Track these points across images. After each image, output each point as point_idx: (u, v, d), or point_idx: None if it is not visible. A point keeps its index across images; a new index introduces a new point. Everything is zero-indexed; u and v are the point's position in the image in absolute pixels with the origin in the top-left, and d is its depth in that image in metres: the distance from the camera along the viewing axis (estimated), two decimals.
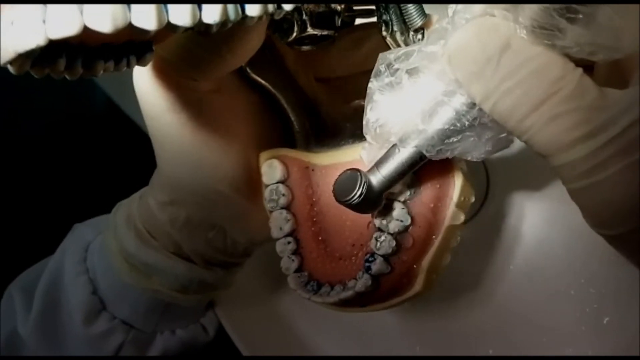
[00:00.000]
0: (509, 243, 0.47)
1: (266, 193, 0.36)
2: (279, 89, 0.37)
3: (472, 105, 0.26)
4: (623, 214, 0.24)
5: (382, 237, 0.31)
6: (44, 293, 0.46)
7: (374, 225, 0.32)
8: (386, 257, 0.31)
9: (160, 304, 0.45)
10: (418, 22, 0.33)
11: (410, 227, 0.31)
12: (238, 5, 0.22)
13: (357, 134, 0.34)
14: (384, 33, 0.33)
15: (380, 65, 0.29)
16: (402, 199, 0.31)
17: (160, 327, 0.47)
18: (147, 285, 0.43)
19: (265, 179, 0.36)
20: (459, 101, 0.26)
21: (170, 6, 0.20)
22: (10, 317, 0.47)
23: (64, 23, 0.18)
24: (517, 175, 0.48)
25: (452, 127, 0.26)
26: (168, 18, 0.19)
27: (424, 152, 0.28)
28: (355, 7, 0.36)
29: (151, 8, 0.19)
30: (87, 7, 0.18)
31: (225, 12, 0.21)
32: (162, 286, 0.43)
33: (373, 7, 0.34)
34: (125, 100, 0.77)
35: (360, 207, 0.30)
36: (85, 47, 0.23)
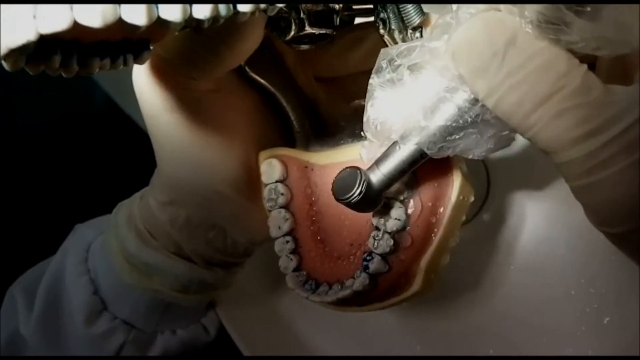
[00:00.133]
0: (509, 243, 0.47)
1: (265, 192, 0.36)
2: (278, 88, 0.37)
3: (475, 101, 0.25)
4: (625, 213, 0.24)
5: (380, 236, 0.31)
6: (45, 293, 0.46)
7: (372, 224, 0.32)
8: (384, 256, 0.31)
9: (161, 304, 0.45)
10: (416, 21, 0.33)
11: (409, 227, 0.31)
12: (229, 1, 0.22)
13: (356, 134, 0.34)
14: (382, 31, 0.33)
15: (381, 61, 0.28)
16: (400, 198, 0.31)
17: (161, 327, 0.47)
18: (148, 285, 0.43)
19: (264, 178, 0.36)
20: (461, 97, 0.26)
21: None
22: (12, 317, 0.47)
23: (54, 18, 0.18)
24: (517, 175, 0.48)
25: (454, 124, 0.26)
26: (158, 13, 0.19)
27: (425, 149, 0.27)
28: (353, 6, 0.36)
29: (141, 4, 0.19)
30: (78, 3, 0.18)
31: (215, 7, 0.21)
32: (162, 286, 0.43)
33: (371, 6, 0.34)
34: (125, 99, 0.77)
35: (360, 205, 0.30)
36: (80, 44, 0.23)
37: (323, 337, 0.50)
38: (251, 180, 0.37)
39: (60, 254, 0.48)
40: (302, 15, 0.33)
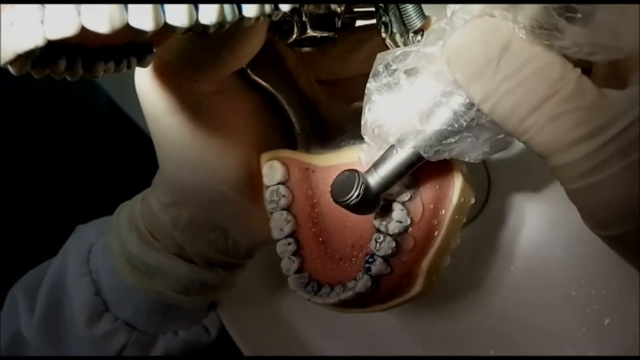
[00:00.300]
0: (509, 244, 0.47)
1: (267, 194, 0.36)
2: (279, 90, 0.37)
3: (470, 105, 0.26)
4: (623, 215, 0.24)
5: (382, 238, 0.31)
6: (47, 294, 0.46)
7: (374, 226, 0.32)
8: (386, 258, 0.31)
9: (163, 305, 0.45)
10: (417, 24, 0.33)
11: (410, 229, 0.31)
12: (235, 6, 0.22)
13: (357, 136, 0.34)
14: (384, 35, 0.33)
15: (378, 66, 0.29)
16: (401, 200, 0.31)
17: (163, 329, 0.47)
18: (150, 286, 0.43)
19: (266, 180, 0.36)
20: (457, 101, 0.26)
21: (167, 7, 0.20)
22: (13, 318, 0.47)
23: (62, 24, 0.18)
24: (518, 176, 0.48)
25: (449, 128, 0.26)
26: (165, 19, 0.20)
27: (422, 152, 0.28)
28: (355, 9, 0.36)
29: (148, 9, 0.19)
30: (85, 8, 0.18)
31: (222, 13, 0.21)
32: (164, 287, 0.43)
33: (373, 9, 0.34)
34: (127, 101, 0.77)
35: (358, 208, 0.30)
36: (85, 48, 0.23)
37: (324, 337, 0.50)
38: (253, 182, 0.37)
39: (61, 255, 0.48)
40: (304, 18, 0.33)
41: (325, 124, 0.39)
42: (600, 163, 0.23)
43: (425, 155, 0.28)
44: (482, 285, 0.47)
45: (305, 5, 0.33)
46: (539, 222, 0.47)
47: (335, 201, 0.30)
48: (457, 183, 0.31)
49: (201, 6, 0.21)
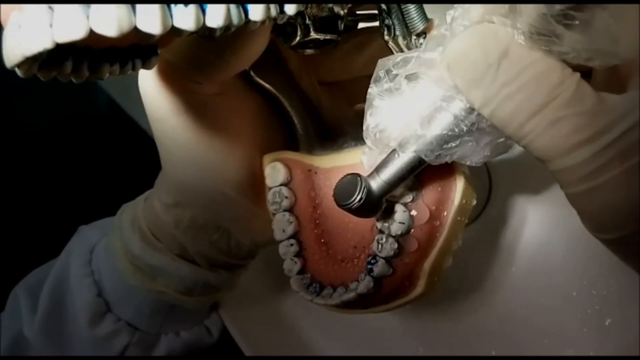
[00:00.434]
0: (511, 245, 0.47)
1: (269, 195, 0.36)
2: (282, 92, 0.37)
3: (471, 110, 0.26)
4: (623, 218, 0.24)
5: (384, 240, 0.31)
6: (49, 295, 0.46)
7: (376, 227, 0.32)
8: (388, 260, 0.32)
9: (165, 305, 0.45)
10: (420, 27, 0.33)
11: (412, 230, 0.32)
12: (241, 10, 0.22)
13: (359, 137, 0.34)
14: (386, 37, 0.33)
15: (379, 71, 0.29)
16: (403, 201, 0.32)
17: (165, 329, 0.47)
18: (152, 287, 0.43)
19: (269, 182, 0.36)
20: (457, 106, 0.26)
21: (174, 10, 0.20)
22: (16, 318, 0.47)
23: (70, 27, 0.18)
24: (519, 177, 0.48)
25: (450, 132, 0.27)
26: (172, 22, 0.20)
27: (423, 157, 0.28)
28: (358, 12, 0.37)
29: (156, 12, 0.19)
30: (93, 12, 0.18)
31: (228, 16, 0.21)
32: (166, 288, 0.43)
33: (376, 12, 0.35)
34: (128, 102, 0.77)
35: (360, 211, 0.30)
36: (91, 50, 0.23)
37: (326, 338, 0.51)
38: (255, 183, 0.37)
39: (64, 256, 0.48)
40: (307, 21, 0.33)
41: (327, 126, 0.39)
42: (599, 167, 0.23)
43: (426, 159, 0.28)
44: (484, 285, 0.47)
45: (309, 8, 0.33)
46: (540, 223, 0.47)
47: (338, 205, 0.30)
48: (458, 185, 0.31)
49: (208, 10, 0.21)
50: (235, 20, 0.21)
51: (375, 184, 0.30)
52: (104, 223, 0.50)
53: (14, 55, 0.20)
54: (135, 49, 0.26)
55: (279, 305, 0.52)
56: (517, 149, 0.27)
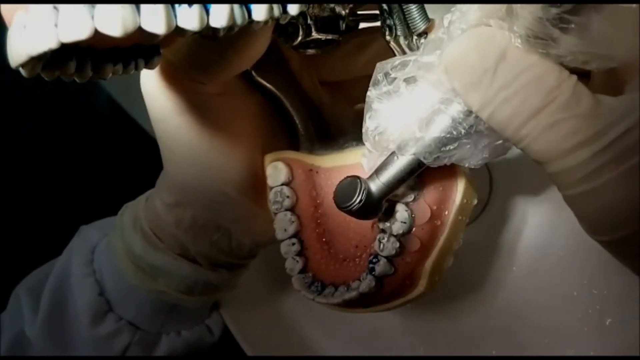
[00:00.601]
0: (511, 245, 0.47)
1: (271, 195, 0.36)
2: (283, 92, 0.37)
3: (469, 113, 0.26)
4: (621, 219, 0.24)
5: (386, 239, 0.32)
6: (50, 294, 0.46)
7: (378, 227, 0.32)
8: (389, 259, 0.32)
9: (166, 305, 0.45)
10: (421, 27, 0.33)
11: (414, 229, 0.32)
12: (245, 10, 0.22)
13: (360, 137, 0.34)
14: (388, 37, 0.34)
15: (378, 75, 0.29)
16: (405, 201, 0.32)
17: (166, 328, 0.47)
18: (153, 286, 0.43)
19: (270, 181, 0.36)
20: (455, 109, 0.27)
21: (178, 11, 0.20)
22: (17, 318, 0.48)
23: (75, 27, 0.19)
24: (520, 177, 0.48)
25: (448, 135, 0.27)
26: (177, 22, 0.20)
27: (422, 159, 0.28)
28: (359, 12, 0.37)
29: (160, 13, 0.19)
30: (98, 12, 0.19)
31: (232, 16, 0.21)
32: (167, 287, 0.43)
33: (377, 12, 0.35)
34: (128, 101, 0.77)
35: (360, 213, 0.30)
36: (94, 50, 0.24)
37: (327, 337, 0.51)
38: (256, 183, 0.37)
39: (65, 255, 0.48)
40: (309, 21, 0.33)
41: (328, 125, 0.39)
42: (597, 169, 0.23)
43: (425, 162, 0.28)
44: (484, 285, 0.47)
45: (310, 8, 0.33)
46: (540, 223, 0.47)
47: (338, 207, 0.31)
48: (459, 184, 0.32)
49: (212, 10, 0.21)
50: (238, 20, 0.21)
51: (375, 186, 0.30)
52: (105, 223, 0.50)
53: (18, 55, 0.20)
54: (138, 49, 0.26)
55: (280, 304, 0.52)
56: (517, 149, 0.27)
